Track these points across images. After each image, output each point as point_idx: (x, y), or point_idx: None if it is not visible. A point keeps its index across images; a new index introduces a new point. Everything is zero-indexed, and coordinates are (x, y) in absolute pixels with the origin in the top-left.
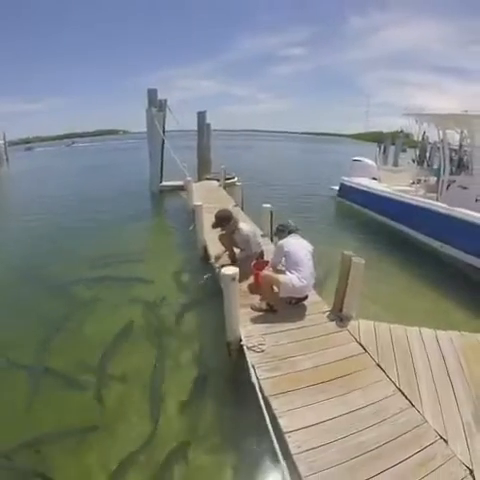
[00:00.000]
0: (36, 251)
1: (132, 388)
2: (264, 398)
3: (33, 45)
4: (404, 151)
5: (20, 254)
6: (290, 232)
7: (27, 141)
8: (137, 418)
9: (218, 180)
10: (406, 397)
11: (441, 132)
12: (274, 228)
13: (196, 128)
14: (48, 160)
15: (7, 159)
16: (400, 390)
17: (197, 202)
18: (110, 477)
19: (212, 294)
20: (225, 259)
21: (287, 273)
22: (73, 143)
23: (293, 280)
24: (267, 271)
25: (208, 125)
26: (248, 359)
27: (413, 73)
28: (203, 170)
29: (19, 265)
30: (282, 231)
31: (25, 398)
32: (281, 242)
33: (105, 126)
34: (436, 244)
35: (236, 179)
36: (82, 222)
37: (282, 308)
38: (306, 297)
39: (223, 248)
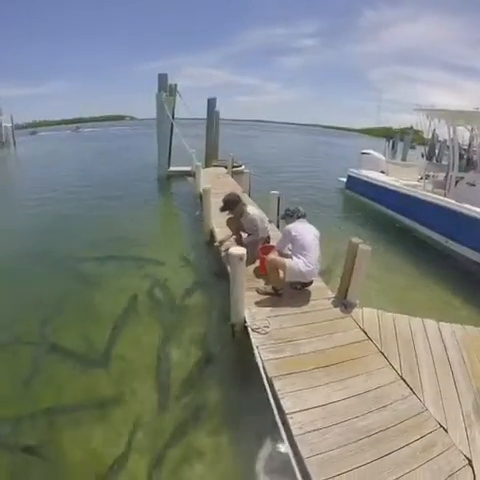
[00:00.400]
0: (45, 232)
1: (138, 366)
2: (268, 379)
3: (34, 27)
4: (413, 148)
5: (29, 235)
6: (298, 217)
7: (34, 125)
8: (142, 395)
9: (225, 167)
10: (408, 385)
11: (451, 129)
12: (283, 213)
13: (204, 116)
14: (54, 144)
15: (14, 142)
16: (402, 378)
17: (206, 185)
18: (114, 453)
19: (217, 277)
20: (231, 243)
21: (294, 258)
22: (78, 128)
23: (299, 264)
24: (273, 255)
25: (217, 112)
26: (252, 340)
27: (425, 70)
28: (211, 157)
29: (28, 245)
30: (290, 216)
31: (30, 373)
32: (288, 227)
33: (111, 112)
34: (441, 239)
35: (243, 167)
36: (89, 205)
37: (287, 292)
38: (311, 282)
39: (230, 232)
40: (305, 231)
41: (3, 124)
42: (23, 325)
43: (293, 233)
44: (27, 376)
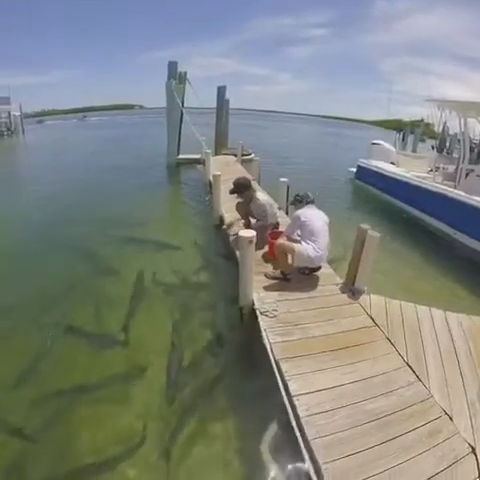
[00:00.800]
0: (56, 216)
1: (150, 345)
2: (276, 361)
3: (42, 15)
4: (423, 141)
5: (43, 219)
6: (307, 203)
7: (42, 114)
8: (154, 374)
9: (235, 155)
10: (414, 371)
11: (462, 120)
12: (292, 199)
13: (213, 106)
14: (62, 132)
15: (23, 130)
16: (408, 364)
17: (216, 171)
18: (127, 431)
19: (226, 260)
20: (239, 227)
21: (303, 243)
22: (85, 117)
23: (308, 250)
24: (282, 240)
25: (227, 100)
26: (260, 323)
27: (437, 63)
28: (220, 145)
29: (42, 229)
30: (299, 201)
31: (44, 353)
32: (298, 212)
33: (121, 101)
34: (450, 231)
35: (253, 155)
36: (99, 191)
37: (295, 277)
38: (319, 268)
39: (239, 217)
40: (314, 217)
41: (12, 113)
42: (38, 307)
43: (302, 218)
44: (41, 356)
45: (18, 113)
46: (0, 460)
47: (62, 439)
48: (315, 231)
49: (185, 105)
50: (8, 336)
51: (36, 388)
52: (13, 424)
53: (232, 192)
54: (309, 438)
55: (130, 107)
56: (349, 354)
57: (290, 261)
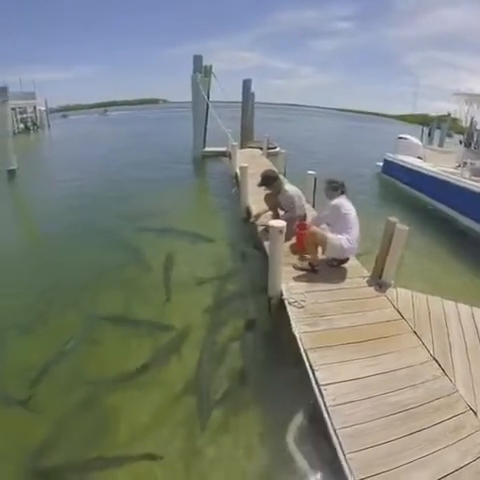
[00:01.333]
0: (87, 208)
1: (184, 333)
2: (304, 351)
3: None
4: (450, 136)
5: (76, 211)
6: (342, 193)
7: (67, 109)
8: (187, 361)
9: (261, 149)
10: (439, 365)
11: None
12: (326, 184)
13: (236, 99)
14: (86, 127)
15: (49, 125)
16: (434, 358)
17: (243, 164)
18: (149, 419)
19: (254, 251)
20: (267, 218)
21: (337, 234)
22: (106, 111)
23: (342, 241)
24: (315, 228)
25: (253, 94)
26: (289, 313)
27: (465, 57)
28: (246, 138)
29: (76, 221)
30: (335, 189)
31: (80, 337)
32: (337, 202)
33: (145, 95)
34: (477, 227)
35: (278, 149)
36: (128, 183)
37: (323, 269)
38: (347, 260)
39: (266, 208)
40: (352, 208)
41: (38, 107)
42: (72, 291)
43: (343, 211)
44: (73, 341)
45: (43, 108)
46: (31, 439)
47: (92, 424)
48: (351, 223)
49: (210, 98)
50: (46, 319)
51: (67, 374)
52: (44, 406)
53: (260, 185)
54: (336, 427)
55: (155, 101)
56: (375, 346)
57: (320, 253)
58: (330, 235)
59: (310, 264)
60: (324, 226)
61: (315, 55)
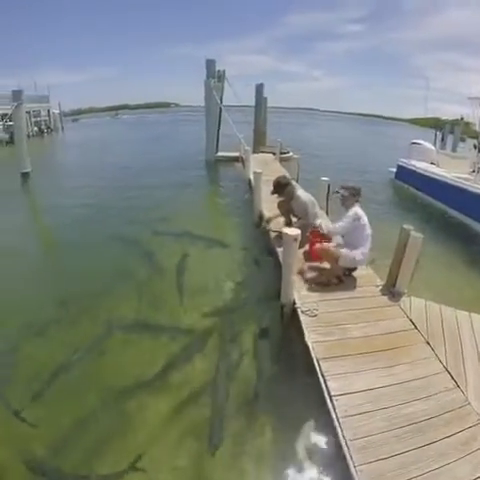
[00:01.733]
0: (101, 214)
1: (199, 336)
2: (317, 360)
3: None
4: (463, 140)
5: (89, 216)
6: (357, 201)
7: (78, 112)
8: (203, 365)
9: (274, 153)
10: (452, 377)
11: None
12: (341, 189)
13: (248, 103)
14: (99, 131)
15: (62, 128)
16: (447, 370)
17: (256, 169)
18: (161, 427)
19: (266, 257)
20: (279, 223)
21: (352, 249)
22: (117, 115)
23: (356, 255)
24: (327, 244)
25: (265, 98)
26: (302, 322)
27: (475, 58)
28: (259, 143)
29: (89, 226)
30: (353, 195)
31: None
32: (357, 212)
33: (156, 99)
34: None
35: (291, 154)
36: (142, 188)
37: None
38: (356, 268)
39: (279, 215)
40: (366, 218)
41: (51, 111)
42: (92, 296)
43: (362, 222)
44: (95, 343)
45: (57, 111)
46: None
47: (106, 428)
48: (367, 234)
49: (222, 102)
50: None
51: (90, 375)
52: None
53: (273, 193)
54: (347, 439)
55: (166, 105)
56: (388, 357)
57: (333, 266)
58: (344, 252)
59: (327, 280)
60: (339, 238)
61: (326, 57)
